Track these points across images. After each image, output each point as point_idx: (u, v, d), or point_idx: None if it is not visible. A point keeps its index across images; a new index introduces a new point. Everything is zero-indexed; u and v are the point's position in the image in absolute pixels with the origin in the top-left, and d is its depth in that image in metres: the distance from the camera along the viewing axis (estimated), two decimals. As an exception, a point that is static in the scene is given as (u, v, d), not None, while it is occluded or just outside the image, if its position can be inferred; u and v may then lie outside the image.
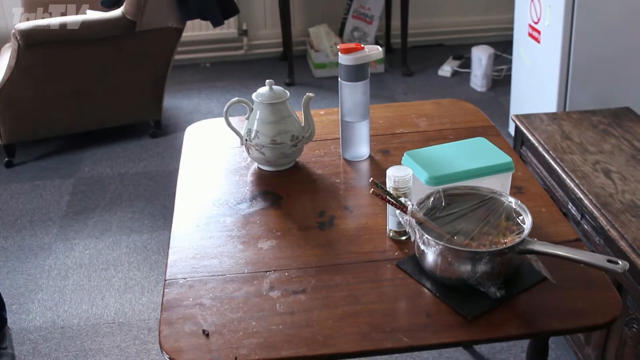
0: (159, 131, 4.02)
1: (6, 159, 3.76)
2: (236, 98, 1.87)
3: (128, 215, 3.27)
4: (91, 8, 4.00)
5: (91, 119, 3.90)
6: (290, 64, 4.65)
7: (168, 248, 1.59)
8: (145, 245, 3.04)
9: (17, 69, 3.51)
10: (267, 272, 1.48)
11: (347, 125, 1.89)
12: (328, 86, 4.52)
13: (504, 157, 1.65)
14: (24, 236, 3.15)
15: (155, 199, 3.38)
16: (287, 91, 1.85)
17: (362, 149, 1.92)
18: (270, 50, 5.17)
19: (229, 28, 4.93)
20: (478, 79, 4.50)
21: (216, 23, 3.96)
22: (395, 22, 4.99)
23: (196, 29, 4.91)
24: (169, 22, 3.78)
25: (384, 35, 5.15)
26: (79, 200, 3.41)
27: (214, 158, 1.98)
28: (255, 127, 1.83)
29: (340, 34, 5.00)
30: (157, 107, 3.97)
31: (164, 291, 1.44)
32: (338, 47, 1.83)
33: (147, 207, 3.33)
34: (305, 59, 5.05)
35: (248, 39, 5.10)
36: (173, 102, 4.43)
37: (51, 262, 2.96)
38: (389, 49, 5.14)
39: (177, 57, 4.40)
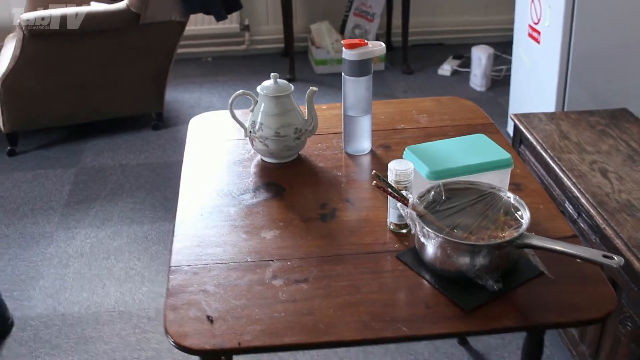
0: (160, 124, 4.05)
1: (8, 148, 3.79)
2: (241, 90, 1.90)
3: (129, 205, 3.30)
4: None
5: (93, 110, 3.93)
6: (292, 59, 4.68)
7: (172, 236, 1.62)
8: (146, 235, 3.07)
9: (21, 59, 3.54)
10: (270, 261, 1.50)
11: (350, 119, 1.92)
12: (329, 82, 4.55)
13: (503, 154, 1.67)
14: (25, 224, 3.18)
15: (156, 191, 3.41)
16: (291, 85, 1.88)
17: (363, 143, 1.95)
18: (271, 46, 5.20)
19: (231, 23, 4.95)
20: (477, 78, 4.53)
21: (219, 17, 3.99)
22: (396, 21, 5.02)
23: (198, 23, 4.94)
24: (172, 16, 3.80)
25: (385, 33, 5.18)
26: (80, 190, 3.44)
27: (217, 149, 2.01)
28: (259, 120, 1.86)
29: (342, 31, 5.03)
30: (159, 100, 4.00)
31: (168, 277, 1.47)
32: (342, 42, 1.86)
33: (148, 198, 3.35)
34: (306, 55, 5.08)
35: (250, 34, 5.12)
36: (175, 95, 4.46)
37: (52, 250, 2.99)
38: (389, 47, 5.17)
39: (179, 50, 4.41)
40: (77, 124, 4.00)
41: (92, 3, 3.98)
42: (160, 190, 3.41)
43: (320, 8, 5.14)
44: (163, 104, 4.02)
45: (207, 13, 4.02)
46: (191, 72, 4.85)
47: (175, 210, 1.73)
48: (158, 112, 4.04)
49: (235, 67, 4.95)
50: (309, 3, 5.11)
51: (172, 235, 1.62)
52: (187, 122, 2.19)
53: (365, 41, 1.86)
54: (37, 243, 3.04)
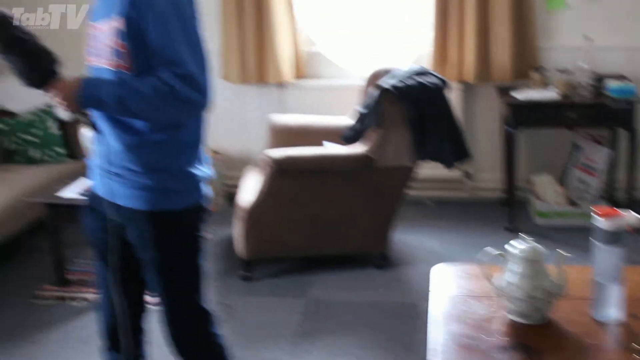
0: (384, 263, 4.21)
1: (244, 273, 4.09)
2: (492, 249, 2.00)
3: (355, 342, 3.42)
4: (328, 140, 4.35)
5: (323, 245, 4.17)
6: (513, 210, 4.74)
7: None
8: (374, 376, 3.17)
9: (267, 193, 3.88)
10: (526, 423, 1.55)
11: (601, 286, 1.95)
12: (550, 236, 4.50)
13: None
14: (259, 348, 3.39)
15: (381, 331, 3.52)
16: (544, 249, 1.96)
17: (614, 312, 1.96)
18: (491, 194, 5.29)
19: (454, 169, 5.10)
20: None
21: (449, 166, 4.16)
22: (620, 176, 4.96)
23: (423, 167, 5.12)
24: (404, 161, 4.03)
25: (607, 188, 5.11)
26: (309, 321, 3.63)
27: (463, 303, 2.09)
28: (511, 280, 1.94)
29: (562, 182, 5.03)
30: (384, 240, 4.19)
31: None
32: (596, 210, 1.93)
33: (374, 337, 3.46)
34: (524, 204, 5.10)
35: (471, 181, 5.25)
36: (396, 235, 4.61)
37: (285, 377, 3.17)
38: (613, 203, 5.07)
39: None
40: (306, 257, 4.26)
41: (324, 142, 4.32)
42: (384, 331, 3.51)
43: (543, 159, 5.20)
44: (389, 244, 4.20)
45: (437, 161, 4.19)
46: (412, 214, 4.99)
47: (401, 353, 1.81)
48: (382, 251, 4.22)
49: (455, 212, 5.07)
50: (531, 154, 5.18)
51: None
52: (410, 264, 2.32)
53: (619, 211, 1.92)
54: (269, 369, 3.23)
